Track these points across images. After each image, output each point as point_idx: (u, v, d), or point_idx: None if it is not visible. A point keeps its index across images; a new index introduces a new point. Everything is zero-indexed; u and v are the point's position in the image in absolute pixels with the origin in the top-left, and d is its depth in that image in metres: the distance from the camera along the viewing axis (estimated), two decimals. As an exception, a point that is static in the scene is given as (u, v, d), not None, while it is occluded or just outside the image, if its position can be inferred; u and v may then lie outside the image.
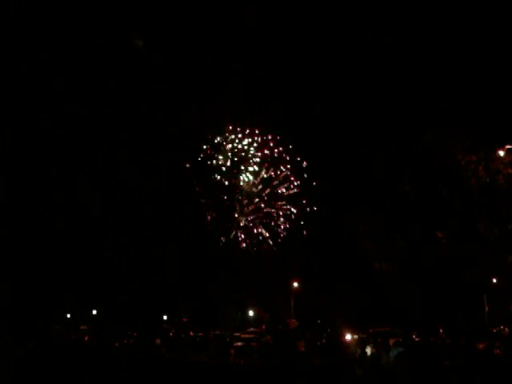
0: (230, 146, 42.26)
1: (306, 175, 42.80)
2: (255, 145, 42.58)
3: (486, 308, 30.22)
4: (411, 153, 29.93)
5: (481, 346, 17.29)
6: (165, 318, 42.87)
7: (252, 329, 35.95)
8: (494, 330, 28.78)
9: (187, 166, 41.48)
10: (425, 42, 34.35)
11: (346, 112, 39.47)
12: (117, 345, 29.19)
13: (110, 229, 39.53)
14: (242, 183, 41.82)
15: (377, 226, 30.71)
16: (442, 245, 28.73)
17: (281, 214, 42.37)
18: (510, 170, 27.64)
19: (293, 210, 42.46)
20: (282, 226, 42.03)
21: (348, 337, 24.55)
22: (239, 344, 26.73)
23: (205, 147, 42.35)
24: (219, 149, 42.21)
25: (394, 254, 30.49)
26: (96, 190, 39.35)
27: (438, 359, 16.34)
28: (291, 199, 42.08)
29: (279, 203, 42.19)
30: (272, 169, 42.28)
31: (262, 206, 42.12)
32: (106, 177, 39.75)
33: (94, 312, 41.73)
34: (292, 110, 41.24)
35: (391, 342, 16.63)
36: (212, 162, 42.04)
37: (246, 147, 42.37)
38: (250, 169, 42.04)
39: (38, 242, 37.34)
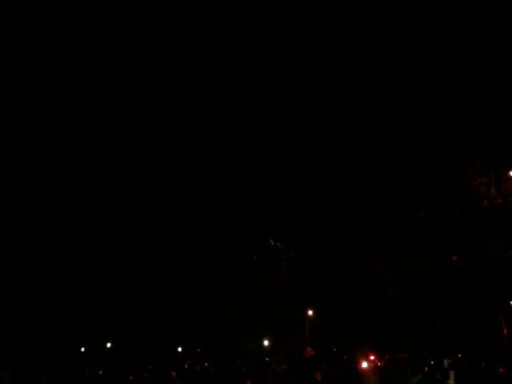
0: None
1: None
2: None
3: (505, 331, 29.86)
4: (422, 175, 29.85)
5: (501, 370, 17.12)
6: (179, 349, 42.59)
7: (267, 358, 35.70)
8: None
9: None
10: (437, 63, 34.40)
11: (356, 129, 39.40)
12: (131, 378, 29.08)
13: (126, 262, 39.61)
14: None
15: (389, 249, 30.55)
16: (456, 268, 28.52)
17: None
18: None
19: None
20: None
21: (364, 365, 24.41)
22: (255, 375, 26.60)
23: None
24: None
25: (407, 279, 30.26)
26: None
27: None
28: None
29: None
30: None
31: None
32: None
33: (108, 345, 41.54)
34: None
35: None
36: None
37: None
38: None
39: (53, 274, 37.51)
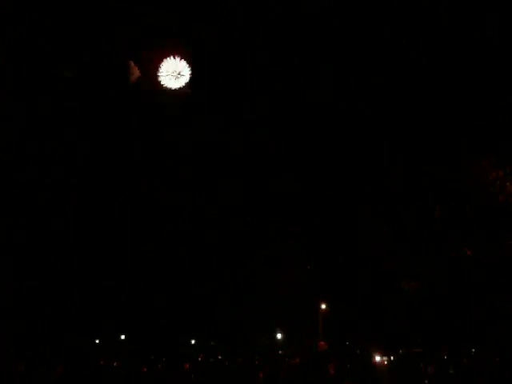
0: None
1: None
2: None
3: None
4: (434, 169, 29.67)
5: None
6: (193, 342, 42.62)
7: (280, 352, 35.72)
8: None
9: None
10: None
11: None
12: (145, 370, 29.24)
13: (143, 257, 39.68)
14: None
15: (401, 243, 30.47)
16: (470, 262, 28.39)
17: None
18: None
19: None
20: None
21: (378, 359, 24.36)
22: (268, 368, 26.68)
23: None
24: None
25: (421, 273, 30.16)
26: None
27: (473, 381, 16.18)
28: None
29: None
30: None
31: None
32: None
33: (122, 337, 41.62)
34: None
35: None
36: None
37: None
38: None
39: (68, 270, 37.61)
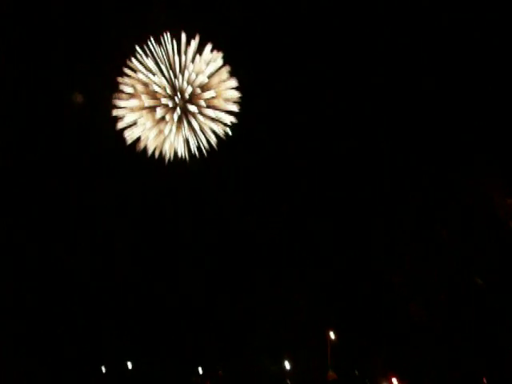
0: None
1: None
2: None
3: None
4: (443, 192, 29.40)
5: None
6: (200, 371, 41.94)
7: (288, 381, 35.14)
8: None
9: None
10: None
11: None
12: None
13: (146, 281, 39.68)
14: None
15: (411, 268, 30.19)
16: (480, 289, 28.09)
17: None
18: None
19: None
20: None
21: None
22: None
23: None
24: None
25: (430, 298, 29.76)
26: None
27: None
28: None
29: None
30: None
31: None
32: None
33: (129, 365, 41.23)
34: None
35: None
36: None
37: None
38: None
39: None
